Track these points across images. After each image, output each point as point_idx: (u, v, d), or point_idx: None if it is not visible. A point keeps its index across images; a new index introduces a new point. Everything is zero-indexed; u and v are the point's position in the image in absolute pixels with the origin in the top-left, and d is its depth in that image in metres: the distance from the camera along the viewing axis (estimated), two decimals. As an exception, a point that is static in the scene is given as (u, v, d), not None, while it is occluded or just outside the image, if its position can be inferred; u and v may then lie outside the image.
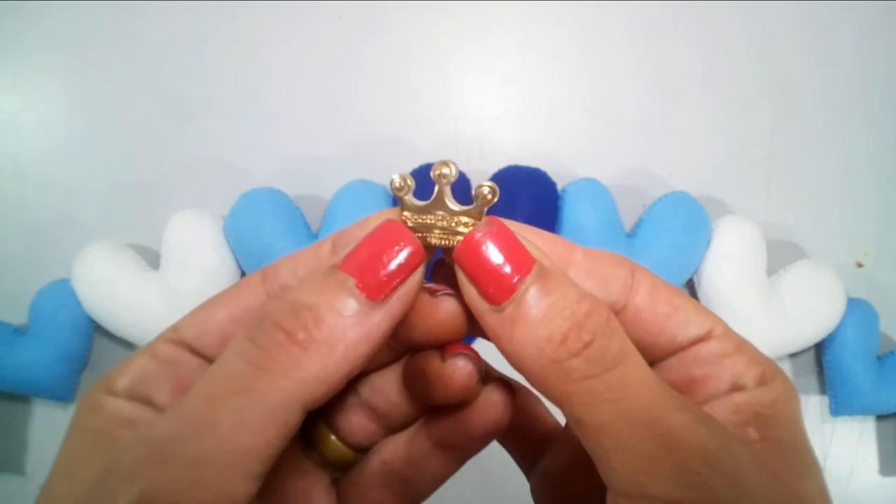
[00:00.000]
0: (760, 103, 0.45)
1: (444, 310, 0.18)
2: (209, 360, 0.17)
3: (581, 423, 0.15)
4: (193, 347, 0.18)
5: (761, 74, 0.45)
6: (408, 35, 0.46)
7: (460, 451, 0.19)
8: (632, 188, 0.44)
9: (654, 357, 0.18)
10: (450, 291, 0.18)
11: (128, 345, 0.43)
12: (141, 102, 0.45)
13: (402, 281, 0.16)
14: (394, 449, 0.19)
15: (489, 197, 0.18)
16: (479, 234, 0.16)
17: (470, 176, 0.41)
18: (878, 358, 0.41)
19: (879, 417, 0.44)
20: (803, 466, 0.18)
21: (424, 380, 0.18)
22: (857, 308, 0.41)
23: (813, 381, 0.44)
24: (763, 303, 0.39)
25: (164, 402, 0.17)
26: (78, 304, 0.40)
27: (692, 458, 0.14)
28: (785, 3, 0.46)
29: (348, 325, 0.15)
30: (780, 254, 0.43)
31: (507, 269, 0.15)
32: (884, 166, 0.45)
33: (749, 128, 0.45)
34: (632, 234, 0.41)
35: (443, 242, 0.17)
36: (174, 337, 0.18)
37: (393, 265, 0.16)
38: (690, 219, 0.40)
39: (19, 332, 0.41)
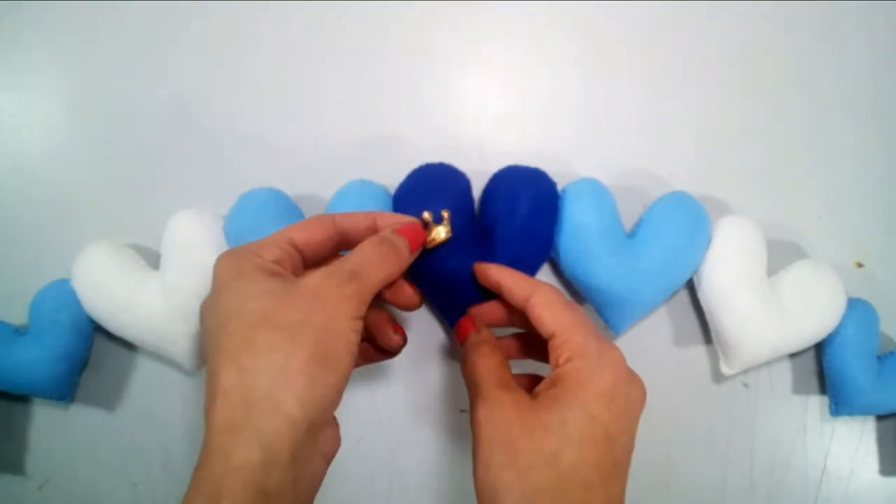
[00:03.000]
0: (761, 103, 0.45)
1: (406, 295, 0.35)
2: (305, 259, 0.32)
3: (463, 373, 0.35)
4: (300, 250, 0.32)
5: (762, 74, 0.45)
6: (408, 35, 0.46)
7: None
8: (632, 188, 0.44)
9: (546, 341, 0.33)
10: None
11: (128, 345, 0.43)
12: (142, 102, 0.45)
13: (417, 247, 0.35)
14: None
15: (441, 220, 0.37)
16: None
17: (470, 176, 0.41)
18: (878, 358, 0.41)
19: (879, 417, 0.44)
20: (556, 406, 0.29)
21: (381, 327, 0.35)
22: (857, 308, 0.41)
23: (813, 381, 0.44)
24: (763, 303, 0.39)
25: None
26: (78, 304, 0.40)
27: (478, 398, 0.32)
28: (785, 3, 0.46)
29: (405, 255, 0.33)
30: (780, 254, 0.43)
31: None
32: (884, 166, 0.45)
33: (749, 128, 0.45)
34: (632, 234, 0.41)
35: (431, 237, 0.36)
36: (291, 241, 0.31)
37: (410, 235, 0.34)
38: (690, 219, 0.40)
39: (19, 332, 0.41)
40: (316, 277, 0.29)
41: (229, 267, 0.29)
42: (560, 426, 0.29)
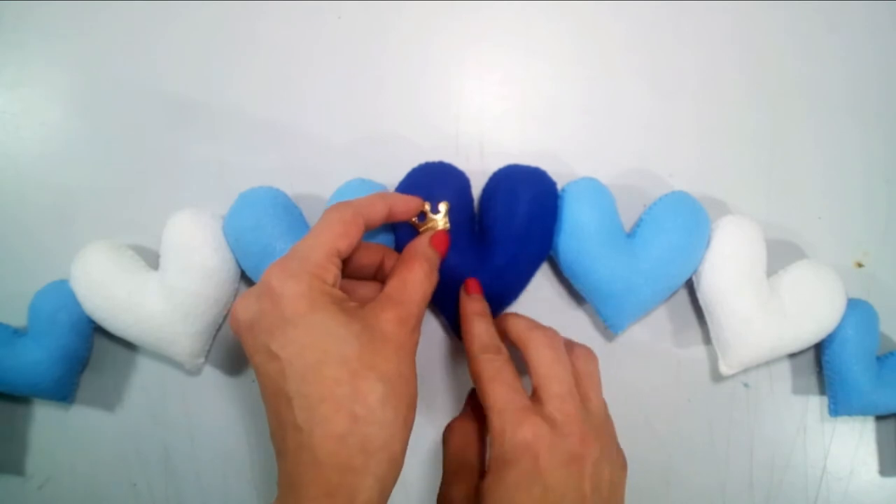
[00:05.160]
0: (761, 103, 0.45)
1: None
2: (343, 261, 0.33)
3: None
4: (342, 257, 0.32)
5: (762, 74, 0.45)
6: (408, 35, 0.46)
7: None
8: (632, 188, 0.44)
9: None
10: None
11: (128, 345, 0.43)
12: (141, 102, 0.45)
13: (444, 252, 0.36)
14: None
15: (438, 212, 0.37)
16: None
17: (470, 175, 0.41)
18: (878, 358, 0.41)
19: (879, 418, 0.44)
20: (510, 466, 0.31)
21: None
22: (857, 308, 0.41)
23: (812, 381, 0.44)
24: (763, 303, 0.39)
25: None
26: (77, 304, 0.40)
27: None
28: (786, 3, 0.46)
29: (434, 258, 0.35)
30: (780, 254, 0.43)
31: None
32: (884, 166, 0.44)
33: (749, 128, 0.45)
34: (631, 234, 0.41)
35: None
36: (339, 254, 0.31)
37: (442, 247, 0.36)
38: (690, 219, 0.40)
39: (19, 333, 0.41)
40: (390, 323, 0.30)
41: (300, 296, 0.29)
42: None
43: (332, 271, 0.30)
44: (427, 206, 0.37)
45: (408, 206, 0.36)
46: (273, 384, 0.29)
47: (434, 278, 0.34)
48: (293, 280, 0.29)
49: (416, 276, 0.33)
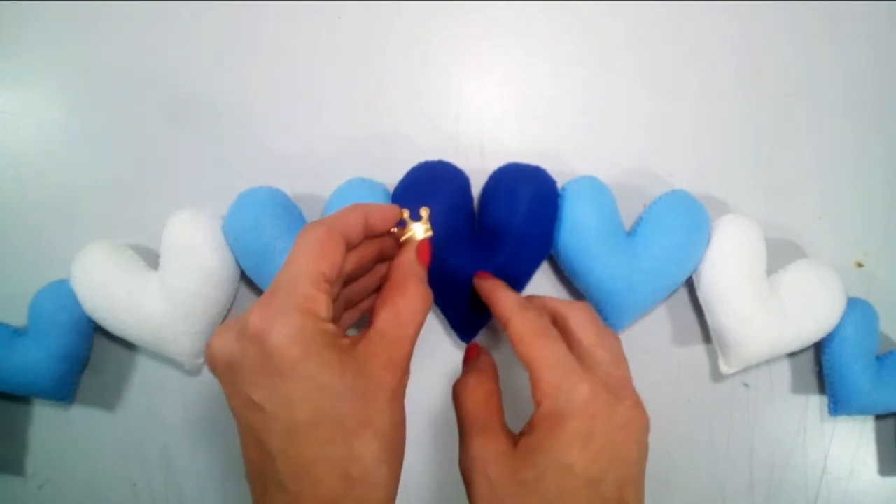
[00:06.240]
0: (761, 103, 0.45)
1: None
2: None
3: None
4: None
5: (762, 74, 0.45)
6: (408, 34, 0.46)
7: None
8: (632, 187, 0.44)
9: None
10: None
11: (128, 345, 0.43)
12: (141, 102, 0.45)
13: (427, 264, 0.33)
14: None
15: (419, 218, 0.34)
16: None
17: (470, 175, 0.41)
18: (878, 358, 0.41)
19: (879, 417, 0.44)
20: (531, 460, 0.29)
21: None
22: (857, 308, 0.41)
23: (812, 380, 0.44)
24: (762, 302, 0.39)
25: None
26: (77, 304, 0.40)
27: (464, 446, 0.32)
28: (786, 2, 0.46)
29: (424, 274, 0.32)
30: (780, 253, 0.43)
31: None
32: (884, 166, 0.45)
33: (749, 128, 0.45)
34: (632, 233, 0.41)
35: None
36: (325, 278, 0.28)
37: (427, 257, 0.33)
38: (690, 218, 0.40)
39: (19, 333, 0.41)
40: (385, 370, 0.28)
41: (289, 340, 0.25)
42: (537, 483, 0.28)
43: (324, 301, 0.27)
44: (406, 214, 0.33)
45: (385, 214, 0.32)
46: (254, 435, 0.26)
47: (429, 300, 0.31)
48: (281, 320, 0.26)
49: (411, 303, 0.30)
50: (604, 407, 0.29)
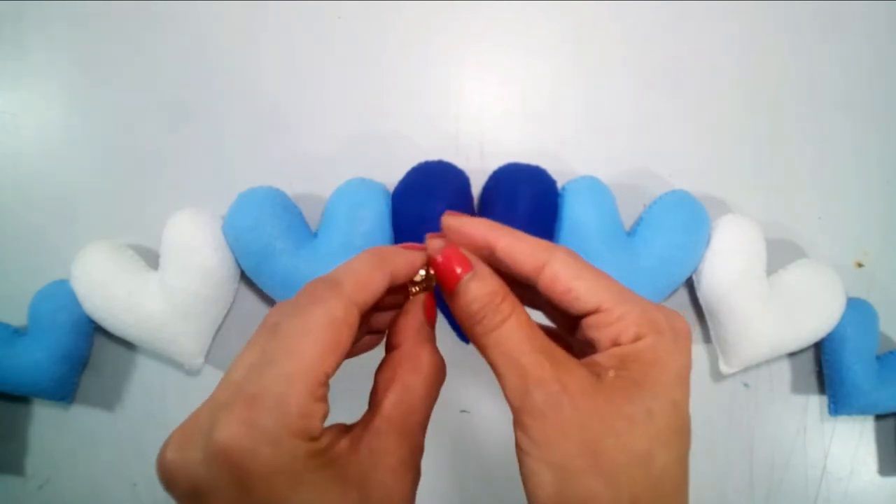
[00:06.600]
0: (761, 103, 0.45)
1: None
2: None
3: (486, 357, 0.25)
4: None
5: (762, 74, 0.45)
6: (408, 34, 0.46)
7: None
8: (632, 187, 0.44)
9: (571, 318, 0.25)
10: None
11: (128, 345, 0.43)
12: (141, 102, 0.45)
13: (434, 322, 0.27)
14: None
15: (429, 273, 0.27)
16: (439, 257, 0.25)
17: (470, 174, 0.41)
18: (878, 358, 0.41)
19: (879, 417, 0.44)
20: (638, 394, 0.24)
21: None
22: (857, 308, 0.41)
23: (812, 380, 0.44)
24: (762, 302, 0.39)
25: None
26: (77, 304, 0.40)
27: (529, 381, 0.23)
28: (786, 2, 0.46)
29: (431, 337, 0.27)
30: (780, 253, 0.43)
31: (458, 270, 0.25)
32: (884, 166, 0.45)
33: (749, 128, 0.45)
34: (632, 233, 0.41)
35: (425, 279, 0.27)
36: (327, 374, 0.23)
37: (434, 317, 0.27)
38: (690, 218, 0.40)
39: (19, 332, 0.41)
40: (394, 473, 0.24)
41: (276, 473, 0.20)
42: (647, 419, 0.24)
43: (320, 411, 0.21)
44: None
45: (409, 270, 0.26)
46: None
47: (444, 373, 0.25)
48: (267, 446, 0.20)
49: (425, 382, 0.24)
50: (688, 345, 0.26)
